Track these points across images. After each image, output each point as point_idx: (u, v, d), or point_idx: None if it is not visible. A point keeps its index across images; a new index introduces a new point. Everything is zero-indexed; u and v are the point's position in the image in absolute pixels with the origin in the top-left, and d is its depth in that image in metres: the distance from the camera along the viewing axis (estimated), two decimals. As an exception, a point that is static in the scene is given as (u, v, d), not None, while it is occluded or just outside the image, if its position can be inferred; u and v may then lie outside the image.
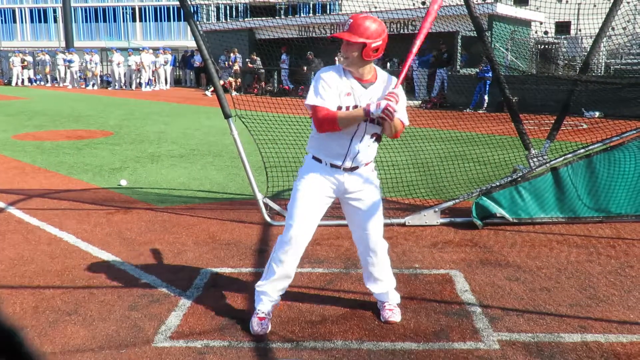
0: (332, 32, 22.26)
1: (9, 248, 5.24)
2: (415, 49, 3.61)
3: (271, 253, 3.76)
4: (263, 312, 3.70)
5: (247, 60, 25.08)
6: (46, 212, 6.37)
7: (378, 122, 3.48)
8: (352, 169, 3.59)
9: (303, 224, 3.57)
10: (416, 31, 3.69)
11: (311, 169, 3.61)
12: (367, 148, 3.57)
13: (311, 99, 3.43)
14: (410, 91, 20.52)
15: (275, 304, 3.78)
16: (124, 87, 28.64)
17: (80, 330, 3.68)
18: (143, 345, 3.51)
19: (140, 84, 28.49)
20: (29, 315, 3.90)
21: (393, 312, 3.83)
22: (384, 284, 3.86)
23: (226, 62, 24.45)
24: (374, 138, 3.57)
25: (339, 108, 3.43)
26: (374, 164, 3.76)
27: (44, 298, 4.16)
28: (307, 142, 3.73)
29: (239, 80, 24.65)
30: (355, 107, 3.44)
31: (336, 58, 21.22)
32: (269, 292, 3.71)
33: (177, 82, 31.60)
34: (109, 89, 28.93)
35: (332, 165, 3.57)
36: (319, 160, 3.59)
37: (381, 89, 3.52)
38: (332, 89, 3.42)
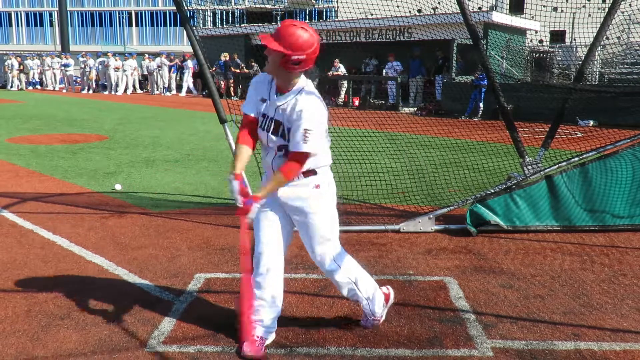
0: (328, 39, 22.30)
1: (2, 251, 5.22)
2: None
3: None
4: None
5: (242, 65, 25.08)
6: (40, 216, 6.35)
7: (280, 134, 3.31)
8: None
9: (268, 247, 3.52)
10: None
11: None
12: (280, 160, 3.37)
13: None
14: (405, 98, 20.58)
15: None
16: (115, 92, 28.54)
17: (73, 335, 3.66)
18: (136, 350, 3.49)
19: (135, 87, 28.51)
20: (21, 319, 3.88)
21: (365, 321, 3.81)
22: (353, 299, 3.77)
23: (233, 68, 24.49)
24: (283, 152, 3.34)
25: (258, 113, 3.38)
26: (318, 180, 3.41)
27: (37, 302, 4.14)
28: None
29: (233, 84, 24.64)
30: (264, 115, 3.36)
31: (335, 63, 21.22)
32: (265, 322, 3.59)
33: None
34: (105, 93, 28.87)
35: None
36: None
37: (289, 105, 3.26)
38: (254, 94, 3.39)
